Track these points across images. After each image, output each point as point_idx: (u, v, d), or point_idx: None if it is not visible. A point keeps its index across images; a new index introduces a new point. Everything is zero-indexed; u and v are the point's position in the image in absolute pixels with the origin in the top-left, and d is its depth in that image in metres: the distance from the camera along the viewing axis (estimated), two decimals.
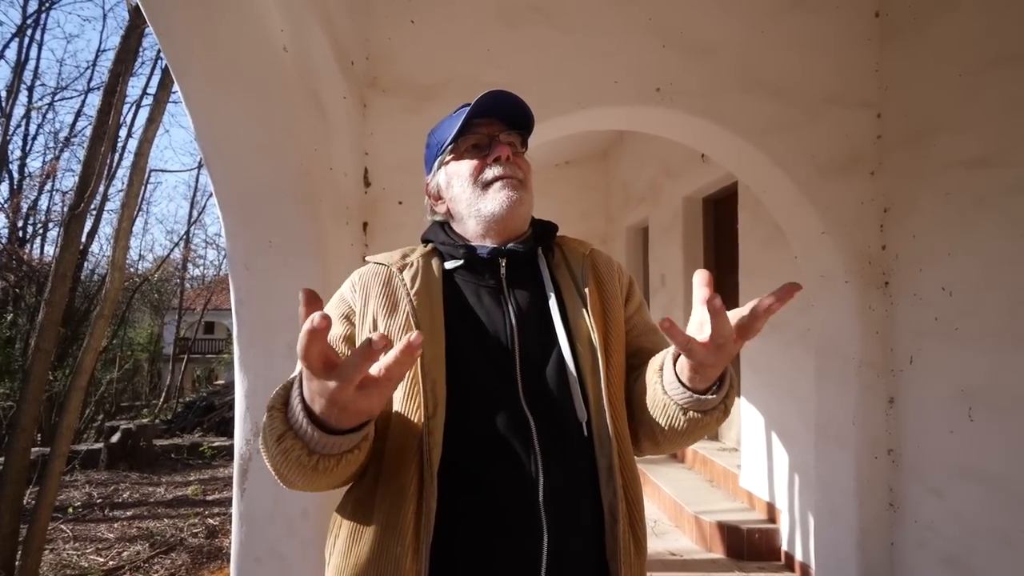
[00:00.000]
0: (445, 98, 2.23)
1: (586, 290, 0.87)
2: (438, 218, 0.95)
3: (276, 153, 1.58)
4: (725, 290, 4.23)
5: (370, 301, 0.83)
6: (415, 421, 0.75)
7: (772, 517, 3.26)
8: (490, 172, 0.87)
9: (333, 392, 0.57)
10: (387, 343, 0.54)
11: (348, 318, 0.83)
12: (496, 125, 0.89)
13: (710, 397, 0.74)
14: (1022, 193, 1.86)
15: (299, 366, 0.59)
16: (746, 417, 3.61)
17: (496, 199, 0.86)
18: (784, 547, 3.11)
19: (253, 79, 1.42)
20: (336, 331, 0.81)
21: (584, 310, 0.85)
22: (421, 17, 2.28)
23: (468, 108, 0.87)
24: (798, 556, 2.96)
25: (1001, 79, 1.93)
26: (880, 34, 2.41)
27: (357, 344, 0.77)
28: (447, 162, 0.91)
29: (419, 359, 0.76)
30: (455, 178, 0.90)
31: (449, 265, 0.88)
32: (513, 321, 0.83)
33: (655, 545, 3.33)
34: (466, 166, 0.89)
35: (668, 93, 2.32)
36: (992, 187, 1.96)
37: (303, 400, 0.61)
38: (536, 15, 2.29)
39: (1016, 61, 1.88)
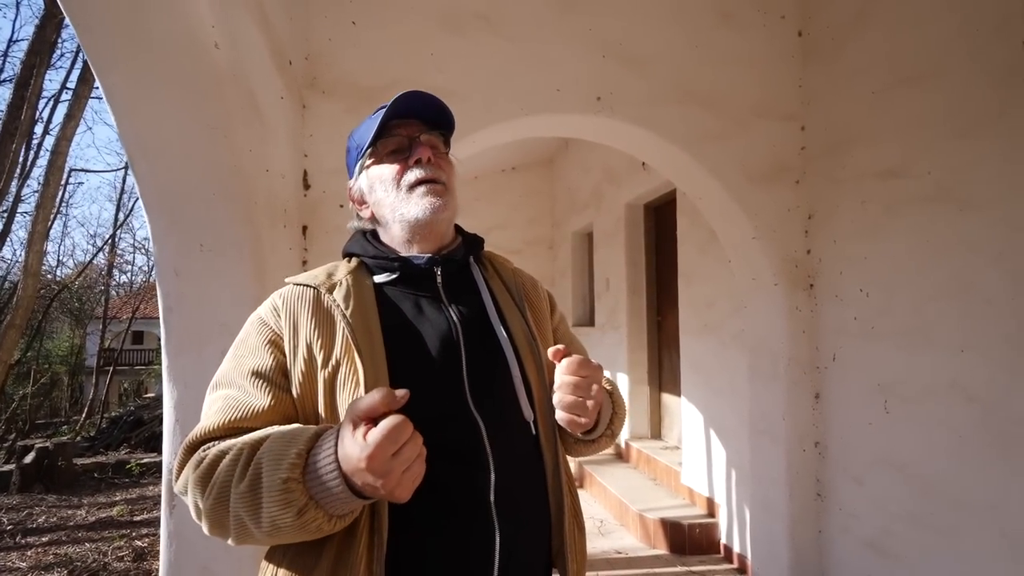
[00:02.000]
0: (385, 101, 2.18)
1: (523, 301, 0.91)
2: (362, 224, 0.92)
3: (207, 153, 1.48)
4: (667, 291, 4.37)
5: (300, 327, 0.77)
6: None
7: (711, 512, 3.37)
8: (411, 175, 0.84)
9: (407, 471, 0.60)
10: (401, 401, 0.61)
11: (276, 344, 0.77)
12: (416, 126, 0.87)
13: (589, 437, 0.87)
14: (924, 202, 2.02)
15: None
16: (687, 416, 3.73)
17: (420, 204, 0.83)
18: (723, 540, 3.22)
19: (181, 76, 1.33)
20: (265, 362, 0.76)
21: (522, 316, 0.89)
22: (363, 19, 2.22)
23: (385, 109, 0.84)
24: (736, 548, 3.07)
25: (907, 96, 2.08)
26: (803, 52, 2.56)
27: (292, 375, 0.75)
28: (368, 166, 0.88)
29: (363, 379, 0.72)
30: (377, 182, 0.87)
31: (380, 279, 0.85)
32: (458, 327, 0.82)
33: (601, 544, 3.37)
34: (387, 170, 0.86)
35: (608, 102, 2.36)
36: (899, 196, 2.12)
37: (338, 464, 0.60)
38: (480, 22, 2.28)
39: (918, 80, 2.04)
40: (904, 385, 2.11)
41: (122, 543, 4.52)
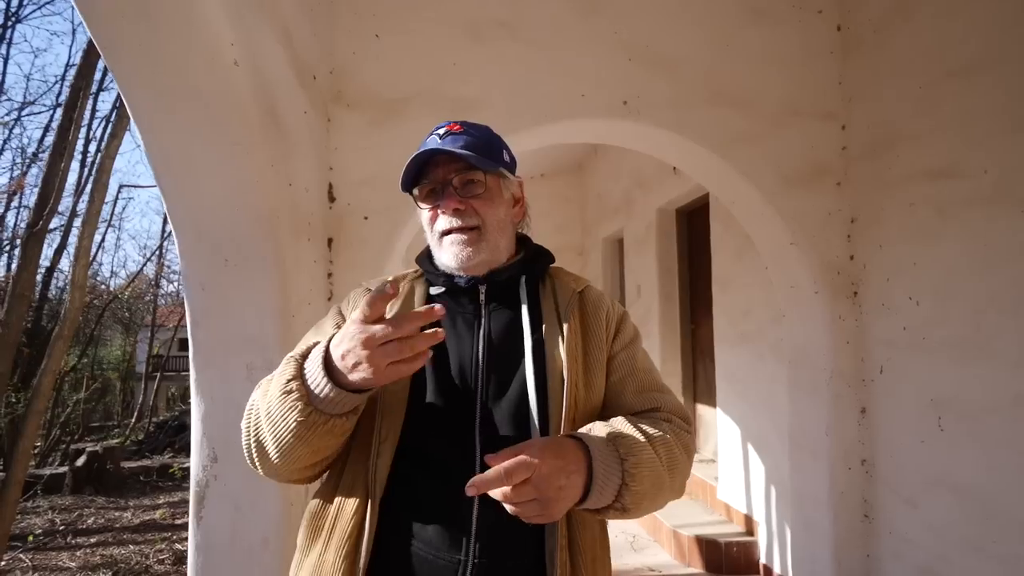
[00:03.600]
0: (410, 113, 2.19)
1: (565, 324, 0.85)
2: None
3: (229, 169, 1.50)
4: (701, 299, 4.23)
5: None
6: (370, 440, 0.79)
7: (750, 530, 3.22)
8: (441, 223, 0.87)
9: (379, 344, 0.64)
10: (437, 314, 0.65)
11: (339, 327, 0.85)
12: (453, 164, 0.86)
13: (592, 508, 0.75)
14: (979, 204, 1.87)
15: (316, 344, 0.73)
16: (722, 428, 3.59)
17: (449, 253, 0.86)
18: (763, 560, 3.06)
19: (202, 94, 1.35)
20: (326, 338, 0.83)
21: (560, 344, 0.84)
22: (386, 31, 2.23)
23: (422, 147, 0.85)
24: (776, 569, 2.92)
25: (958, 90, 1.94)
26: (842, 47, 2.44)
27: None
28: (416, 200, 0.91)
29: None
30: (422, 221, 0.92)
31: (434, 291, 0.89)
32: (481, 349, 0.82)
33: (634, 560, 3.26)
34: (425, 215, 0.90)
35: (635, 106, 2.30)
36: (952, 197, 1.97)
37: (326, 355, 0.69)
38: (502, 30, 2.27)
39: (970, 72, 1.90)
40: (960, 400, 1.95)
41: (163, 546, 4.68)
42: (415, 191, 0.89)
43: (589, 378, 0.85)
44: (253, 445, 0.77)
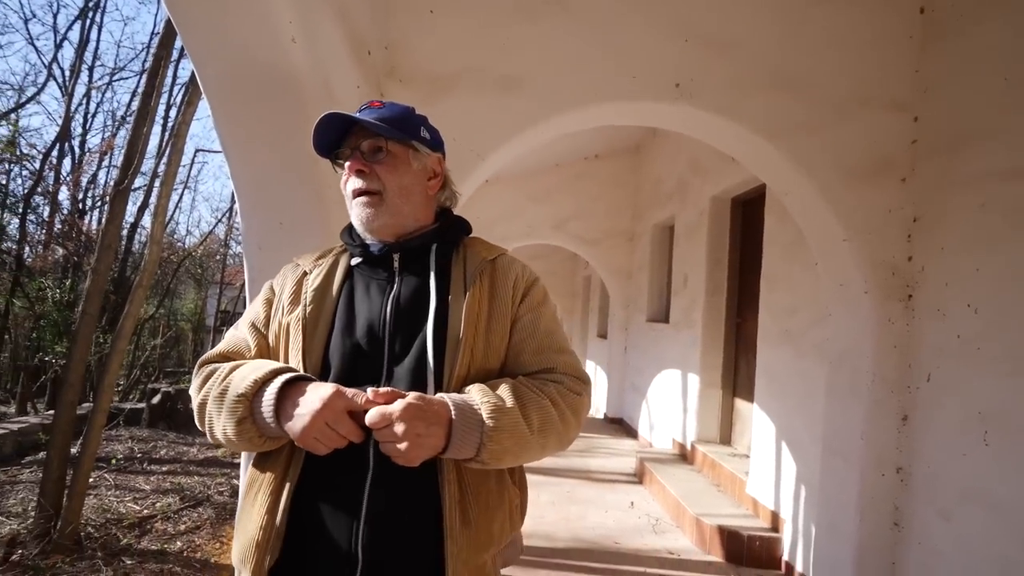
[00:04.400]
0: (459, 89, 2.24)
1: (470, 290, 0.91)
2: None
3: (287, 140, 1.62)
4: (748, 294, 4.11)
5: (283, 294, 0.97)
6: None
7: (775, 526, 3.18)
8: (350, 185, 0.95)
9: (330, 428, 0.79)
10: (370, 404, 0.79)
11: (268, 302, 0.99)
12: (364, 133, 0.94)
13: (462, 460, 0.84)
14: None
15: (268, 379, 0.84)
16: (758, 424, 3.52)
17: (356, 214, 0.95)
18: (785, 557, 3.03)
19: (263, 69, 1.46)
20: (259, 315, 0.98)
21: (462, 308, 0.90)
22: (440, 7, 2.28)
23: (323, 120, 0.93)
24: (799, 567, 2.88)
25: None
26: (923, 33, 2.27)
27: (271, 326, 0.96)
28: (334, 166, 1.00)
29: (302, 344, 0.90)
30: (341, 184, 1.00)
31: (354, 262, 0.98)
32: (388, 313, 0.90)
33: (654, 542, 3.30)
34: (341, 177, 0.98)
35: (688, 89, 2.26)
36: None
37: (276, 404, 0.82)
38: (554, 7, 2.26)
39: None
40: (1010, 416, 1.85)
41: (223, 480, 5.14)
42: (335, 158, 0.98)
43: (490, 339, 0.91)
44: (203, 422, 0.90)
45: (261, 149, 1.58)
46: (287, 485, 0.86)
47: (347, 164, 0.95)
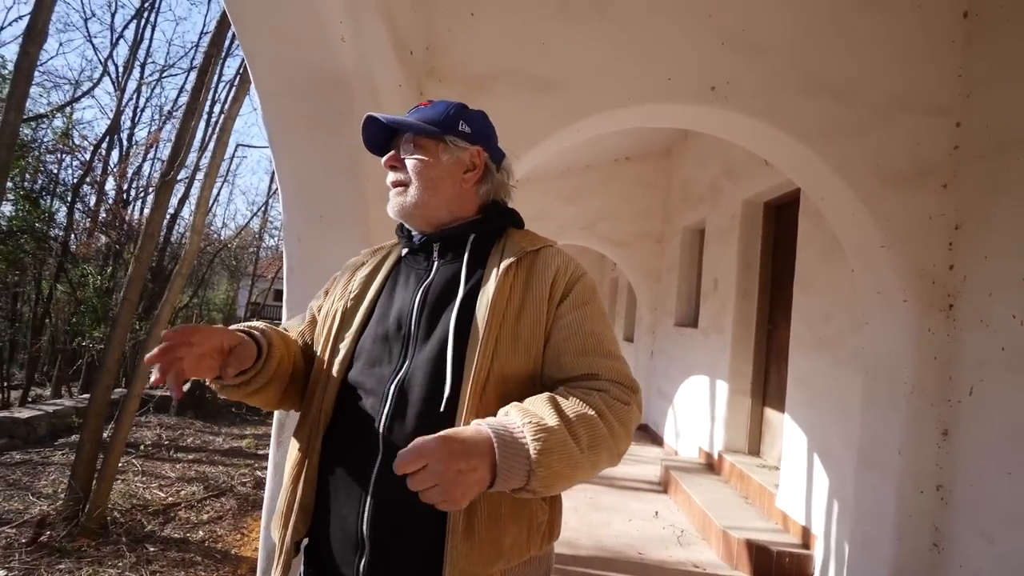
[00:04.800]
0: (496, 90, 2.29)
1: (500, 281, 0.90)
2: None
3: (330, 136, 1.70)
4: (781, 300, 4.06)
5: (339, 283, 1.06)
6: (322, 378, 0.95)
7: (806, 542, 3.13)
8: (387, 179, 1.02)
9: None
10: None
11: (327, 291, 1.08)
12: (402, 132, 1.00)
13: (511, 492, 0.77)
14: None
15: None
16: (789, 435, 3.47)
17: (390, 204, 1.01)
18: (816, 575, 2.98)
19: (313, 66, 1.55)
20: (319, 298, 1.09)
21: (489, 300, 0.88)
22: (481, 9, 2.34)
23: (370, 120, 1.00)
24: None
25: None
26: (966, 36, 2.23)
27: (318, 315, 1.06)
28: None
29: (336, 330, 0.97)
30: None
31: (404, 252, 1.04)
32: (418, 300, 0.93)
33: (678, 554, 3.28)
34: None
35: (724, 92, 2.27)
36: None
37: None
38: (591, 10, 2.30)
39: None
40: None
41: (246, 471, 5.31)
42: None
43: (519, 332, 0.88)
44: None
45: (306, 144, 1.67)
46: (307, 461, 0.90)
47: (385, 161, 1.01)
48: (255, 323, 0.98)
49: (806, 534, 3.15)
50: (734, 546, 3.24)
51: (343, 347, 0.95)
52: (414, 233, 1.01)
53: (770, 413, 4.22)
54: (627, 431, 0.84)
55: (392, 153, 1.00)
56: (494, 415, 0.80)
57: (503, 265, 0.92)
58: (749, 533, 3.25)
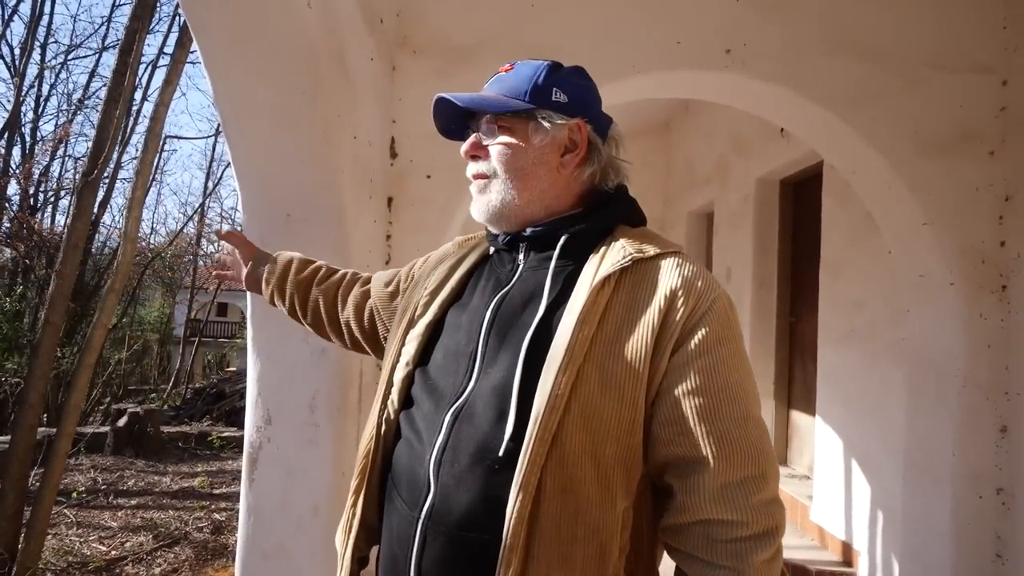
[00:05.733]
0: (479, 60, 2.24)
1: (590, 296, 0.77)
2: None
3: (296, 118, 1.63)
4: (804, 288, 4.09)
5: (424, 268, 1.06)
6: (390, 378, 0.93)
7: (848, 559, 3.16)
8: (467, 172, 0.94)
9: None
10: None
11: (410, 269, 1.12)
12: (479, 112, 0.92)
13: None
14: None
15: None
16: (821, 440, 3.50)
17: (473, 205, 0.93)
18: None
19: (274, 36, 1.47)
20: (401, 274, 1.14)
21: (572, 321, 0.77)
22: None
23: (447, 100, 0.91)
24: None
25: None
26: None
27: (397, 291, 1.11)
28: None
29: (404, 330, 0.95)
30: None
31: (492, 250, 0.98)
32: (489, 314, 0.86)
33: None
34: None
35: (740, 56, 2.25)
36: None
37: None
38: None
39: None
40: None
41: (202, 514, 5.17)
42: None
43: (612, 369, 0.75)
44: None
45: (267, 130, 1.60)
46: (368, 474, 0.91)
47: (465, 149, 0.92)
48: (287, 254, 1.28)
49: (847, 550, 3.18)
50: None
51: (407, 353, 0.93)
52: (499, 233, 0.94)
53: (797, 416, 4.25)
54: None
55: (473, 140, 0.90)
56: (573, 478, 0.73)
57: (598, 276, 0.79)
58: (784, 551, 3.27)
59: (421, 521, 0.79)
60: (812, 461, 3.71)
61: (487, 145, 0.89)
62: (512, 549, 0.72)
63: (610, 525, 0.75)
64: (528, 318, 0.82)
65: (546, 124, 0.87)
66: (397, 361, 0.93)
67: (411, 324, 0.95)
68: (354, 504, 0.92)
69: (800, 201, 4.26)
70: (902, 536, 2.52)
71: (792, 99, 2.31)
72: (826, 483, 3.41)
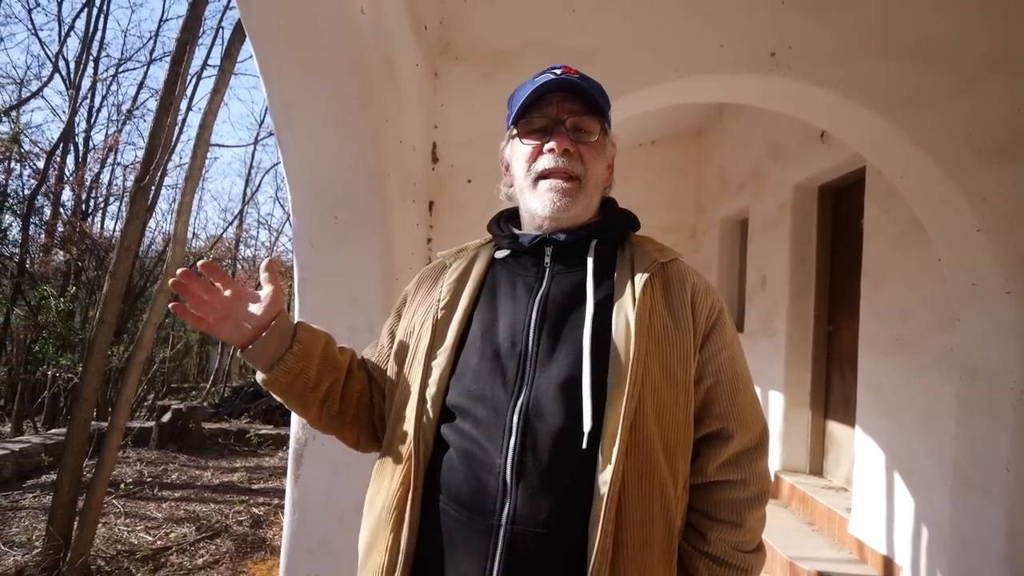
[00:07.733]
0: (521, 66, 2.23)
1: (640, 295, 0.84)
2: (508, 192, 1.00)
3: (346, 123, 1.64)
4: (843, 296, 3.97)
5: (419, 291, 1.00)
6: (414, 401, 0.88)
7: (890, 574, 3.03)
8: (542, 163, 0.90)
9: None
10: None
11: (398, 311, 1.03)
12: (569, 104, 0.90)
13: None
14: None
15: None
16: (861, 451, 3.38)
17: (542, 200, 0.89)
18: None
19: (328, 43, 1.48)
20: (392, 318, 1.04)
21: (630, 314, 0.83)
22: None
23: (540, 79, 0.90)
24: None
25: None
26: None
27: (396, 335, 1.00)
28: (515, 135, 0.96)
29: (429, 342, 0.90)
30: (515, 158, 0.95)
31: (499, 255, 0.96)
32: (535, 313, 0.86)
33: None
34: (525, 149, 0.93)
35: (785, 59, 2.19)
36: None
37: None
38: None
39: None
40: None
41: (241, 508, 5.25)
42: (518, 127, 0.93)
43: (668, 361, 0.83)
44: None
45: (319, 135, 1.61)
46: (409, 502, 0.84)
47: (552, 139, 0.89)
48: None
49: (888, 565, 3.05)
50: None
51: (438, 366, 0.89)
52: (520, 233, 0.94)
53: (834, 426, 4.12)
54: (763, 518, 0.89)
55: (563, 134, 0.89)
56: (649, 463, 0.79)
57: (640, 278, 0.86)
58: (820, 564, 3.16)
59: (503, 527, 0.77)
60: (850, 473, 3.58)
61: (584, 144, 0.90)
62: (605, 536, 0.76)
63: (677, 505, 0.83)
64: (577, 317, 0.85)
65: (613, 140, 0.95)
66: (427, 377, 0.89)
67: (434, 338, 0.91)
68: (395, 538, 0.83)
69: (839, 208, 4.14)
70: (950, 555, 2.41)
71: (839, 103, 2.25)
72: (867, 495, 3.29)
